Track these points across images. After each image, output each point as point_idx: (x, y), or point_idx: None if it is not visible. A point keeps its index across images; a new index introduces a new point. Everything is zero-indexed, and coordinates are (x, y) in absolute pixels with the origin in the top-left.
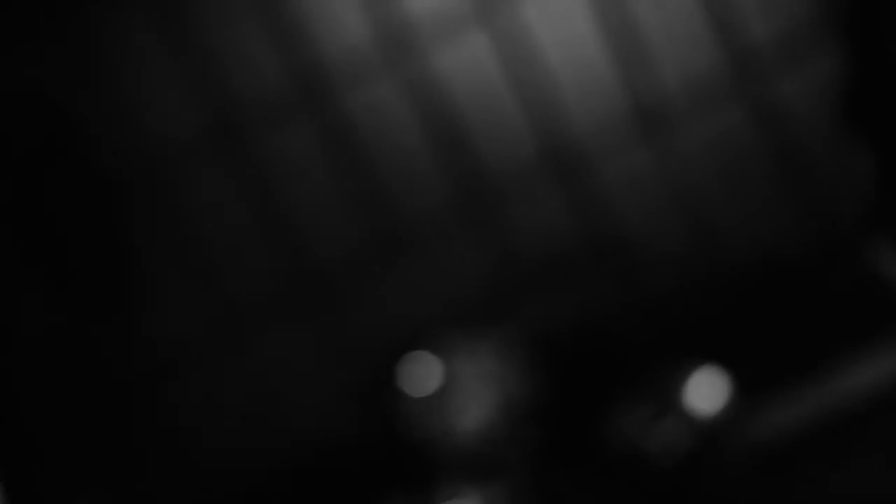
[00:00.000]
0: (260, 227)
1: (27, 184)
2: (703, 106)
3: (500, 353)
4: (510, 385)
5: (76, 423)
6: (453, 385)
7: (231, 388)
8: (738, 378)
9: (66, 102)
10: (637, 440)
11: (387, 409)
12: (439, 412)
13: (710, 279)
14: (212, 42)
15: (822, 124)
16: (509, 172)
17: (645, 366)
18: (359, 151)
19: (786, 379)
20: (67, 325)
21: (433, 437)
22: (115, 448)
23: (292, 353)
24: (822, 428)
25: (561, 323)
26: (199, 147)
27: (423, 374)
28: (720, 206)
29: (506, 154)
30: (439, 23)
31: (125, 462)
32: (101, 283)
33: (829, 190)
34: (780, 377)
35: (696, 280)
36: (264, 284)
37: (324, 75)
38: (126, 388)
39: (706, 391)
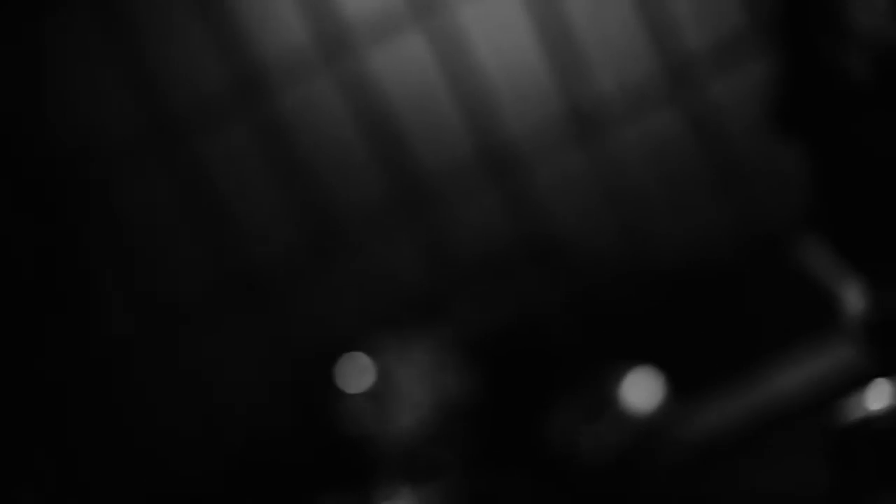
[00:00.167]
0: (197, 227)
1: None
2: (637, 109)
3: (435, 353)
4: (445, 384)
5: (12, 421)
6: (388, 384)
7: (166, 388)
8: (670, 378)
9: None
10: (572, 440)
11: (323, 407)
12: (374, 411)
13: (644, 280)
14: (149, 42)
15: (755, 128)
16: (445, 172)
17: (580, 366)
18: (295, 151)
19: (717, 379)
20: (2, 325)
21: (369, 436)
22: (51, 444)
23: (228, 352)
24: (752, 427)
25: (496, 322)
26: (136, 147)
27: (358, 373)
28: (654, 208)
29: (441, 154)
30: (376, 23)
31: (61, 458)
32: (36, 284)
33: (760, 192)
34: (711, 378)
35: (629, 280)
36: (200, 283)
37: (261, 75)
38: (61, 386)
39: (640, 391)
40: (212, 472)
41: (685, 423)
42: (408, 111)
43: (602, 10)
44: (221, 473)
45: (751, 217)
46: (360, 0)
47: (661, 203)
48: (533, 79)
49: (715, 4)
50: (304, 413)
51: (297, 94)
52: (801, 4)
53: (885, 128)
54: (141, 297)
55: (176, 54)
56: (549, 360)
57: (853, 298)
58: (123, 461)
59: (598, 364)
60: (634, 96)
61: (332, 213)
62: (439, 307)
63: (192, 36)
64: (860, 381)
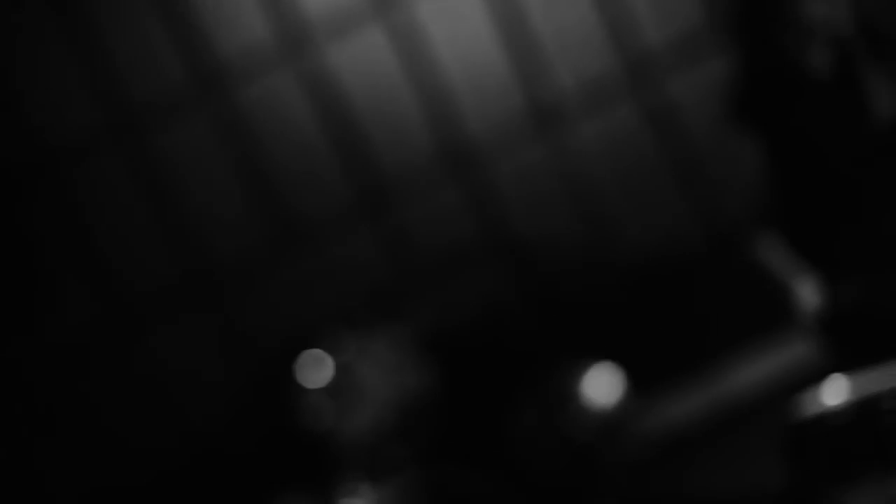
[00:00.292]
0: (156, 224)
1: None
2: (596, 105)
3: (395, 349)
4: (405, 380)
5: None
6: (347, 380)
7: (125, 384)
8: (631, 374)
9: None
10: (532, 435)
11: (284, 403)
12: (334, 407)
13: (604, 275)
14: (109, 39)
15: (713, 123)
16: (405, 168)
17: (540, 362)
18: (255, 147)
19: (677, 374)
20: None
21: (329, 431)
22: (9, 442)
23: (187, 348)
24: (712, 422)
25: (456, 318)
26: (95, 144)
27: (317, 369)
28: (613, 203)
29: (402, 150)
30: (336, 19)
31: (18, 455)
32: None
33: (718, 186)
34: (671, 373)
35: (589, 275)
36: (159, 281)
37: (221, 71)
38: (20, 382)
39: (600, 387)
40: (172, 469)
41: (645, 418)
42: (368, 107)
43: (561, 6)
44: (181, 470)
45: (709, 212)
46: None
47: (621, 198)
48: (492, 75)
49: (673, 1)
50: (265, 409)
51: (257, 91)
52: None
53: (839, 121)
54: (102, 294)
55: (136, 51)
56: (510, 356)
57: (808, 294)
58: (82, 458)
59: (559, 360)
60: (593, 92)
61: (292, 210)
62: (400, 303)
63: (152, 33)
64: (816, 376)
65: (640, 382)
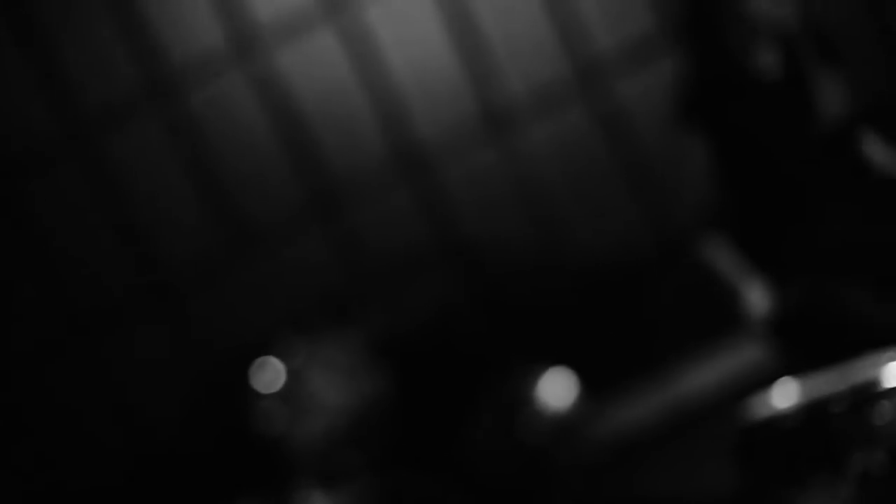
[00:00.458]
0: (109, 229)
1: None
2: (547, 109)
3: (348, 354)
4: (357, 386)
5: None
6: (300, 386)
7: (81, 391)
8: (584, 377)
9: None
10: (487, 440)
11: (238, 409)
12: (286, 412)
13: (556, 278)
14: (61, 43)
15: (663, 126)
16: (356, 172)
17: (493, 366)
18: (206, 151)
19: (630, 377)
20: None
21: (283, 437)
22: None
23: (142, 355)
24: (664, 425)
25: (409, 323)
26: (48, 151)
27: (270, 375)
28: (564, 206)
29: (353, 153)
30: (286, 23)
31: None
32: None
33: (669, 190)
34: (624, 376)
35: (542, 279)
36: (113, 285)
37: (172, 76)
38: None
39: (554, 391)
40: (128, 475)
41: (598, 422)
42: (319, 110)
43: (511, 10)
44: (137, 475)
45: (660, 215)
46: (270, 0)
47: (571, 201)
48: (443, 78)
49: (623, 4)
50: (219, 414)
51: (209, 95)
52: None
53: (784, 123)
54: (56, 299)
55: (88, 56)
56: (463, 360)
57: (756, 297)
58: (36, 461)
59: (512, 364)
60: (544, 96)
61: (244, 213)
62: (352, 307)
63: (102, 37)
64: (766, 379)
65: (592, 386)
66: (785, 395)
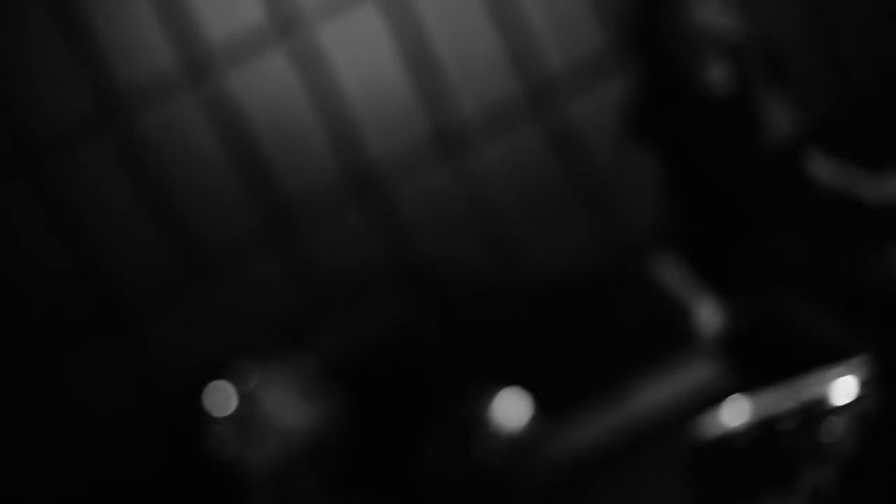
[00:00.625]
0: (62, 252)
1: None
2: (500, 129)
3: (301, 378)
4: (311, 409)
5: None
6: (252, 409)
7: (34, 411)
8: (538, 397)
9: None
10: (442, 461)
11: (191, 433)
12: (239, 436)
13: (511, 298)
14: (11, 64)
15: (615, 144)
16: (309, 193)
17: (448, 387)
18: (159, 174)
19: (584, 397)
20: None
21: (236, 461)
22: None
23: (94, 379)
24: (619, 445)
25: (363, 345)
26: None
27: (222, 399)
28: (518, 226)
29: (306, 175)
30: (238, 45)
31: None
32: None
33: (622, 208)
34: (578, 395)
35: (496, 299)
36: (68, 309)
37: (123, 98)
38: None
39: (509, 412)
40: (81, 498)
41: (553, 441)
42: (271, 132)
43: (463, 30)
44: (91, 499)
45: (613, 234)
46: (221, 21)
47: (525, 221)
48: (395, 99)
49: (573, 24)
50: (174, 438)
51: (160, 117)
52: (652, 12)
53: (732, 140)
54: (8, 322)
55: (39, 78)
56: (417, 382)
57: (706, 314)
58: None
59: (466, 385)
60: (496, 116)
61: (197, 236)
62: (305, 329)
63: (53, 59)
64: (718, 397)
65: (547, 406)
66: (735, 412)
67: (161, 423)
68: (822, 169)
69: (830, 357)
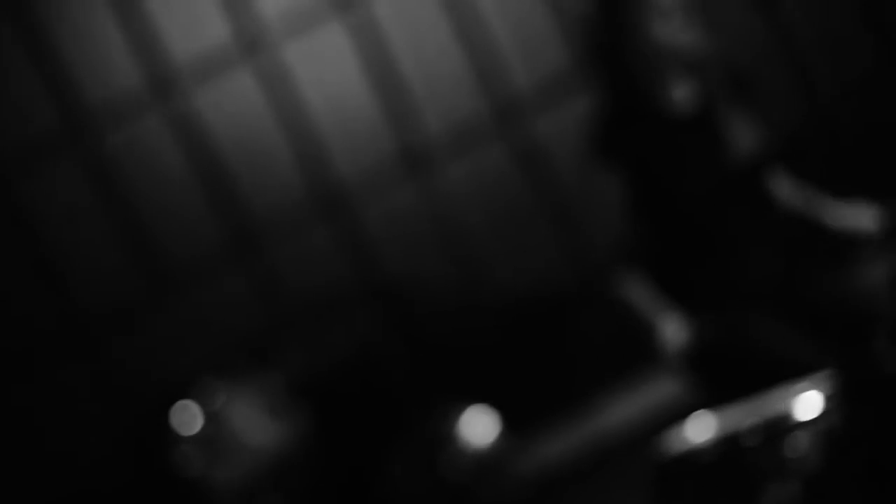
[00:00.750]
0: (28, 271)
1: None
2: (466, 147)
3: (267, 396)
4: (277, 428)
5: None
6: (218, 429)
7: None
8: (506, 414)
9: None
10: (410, 478)
11: (158, 452)
12: (205, 456)
13: (477, 316)
14: None
15: (580, 161)
16: (276, 211)
17: (416, 405)
18: (125, 192)
19: (551, 413)
20: None
21: (203, 480)
22: None
23: (61, 399)
24: (585, 461)
25: (329, 363)
26: None
27: (188, 418)
28: (484, 244)
29: (272, 193)
30: (203, 63)
31: None
32: None
33: (587, 224)
34: (545, 412)
35: (463, 317)
36: (34, 328)
37: (90, 116)
38: None
39: (477, 428)
40: None
41: (520, 458)
42: (238, 150)
43: (428, 49)
44: None
45: (579, 251)
46: (187, 40)
47: (491, 239)
48: (361, 117)
49: (538, 42)
50: (141, 457)
51: (127, 135)
52: (614, 31)
53: (695, 159)
54: None
55: (4, 94)
56: (384, 400)
57: (672, 331)
58: None
59: (434, 402)
60: (462, 134)
61: (163, 254)
62: (272, 347)
63: (20, 76)
64: (684, 413)
65: (514, 423)
66: (699, 428)
67: (128, 441)
68: (784, 187)
69: (794, 373)
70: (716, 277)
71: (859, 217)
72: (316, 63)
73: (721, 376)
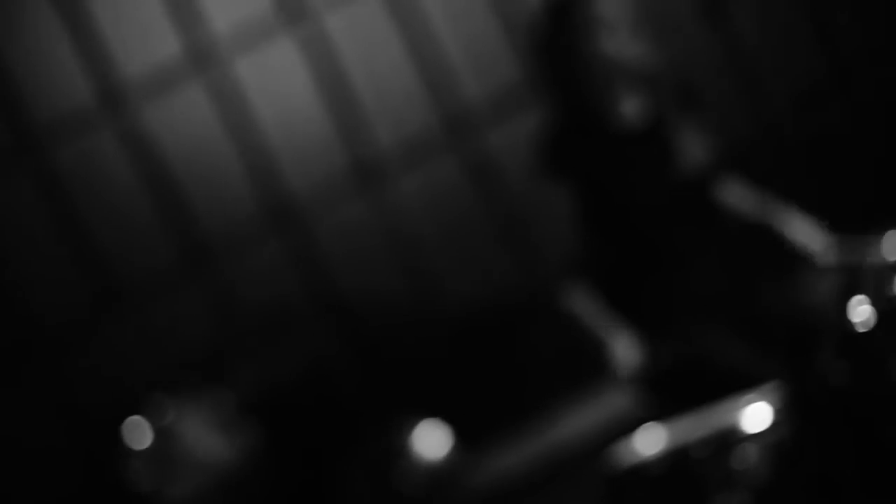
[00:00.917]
0: None
1: None
2: (417, 160)
3: (219, 412)
4: (228, 443)
5: None
6: (169, 444)
7: None
8: (458, 427)
9: None
10: (363, 493)
11: (109, 468)
12: (156, 472)
13: (430, 329)
14: None
15: (531, 175)
16: (227, 226)
17: (368, 419)
18: (75, 208)
19: (503, 426)
20: None
21: (154, 497)
22: None
23: (11, 415)
24: (537, 474)
25: (282, 378)
26: None
27: (139, 434)
28: (436, 258)
29: (224, 208)
30: (152, 77)
31: None
32: None
33: (539, 238)
34: (497, 425)
35: (415, 331)
36: None
37: (40, 132)
38: None
39: (430, 442)
40: None
41: (474, 472)
42: (189, 165)
43: (379, 62)
44: None
45: (530, 263)
46: (136, 55)
47: (443, 252)
48: (312, 132)
49: (489, 55)
50: (91, 475)
51: (76, 150)
52: (563, 45)
53: (643, 173)
54: None
55: None
56: (337, 414)
57: (621, 345)
58: None
59: (386, 416)
60: (414, 147)
61: (113, 272)
62: (225, 363)
63: None
64: (635, 425)
65: (467, 436)
66: (649, 441)
67: (78, 457)
68: (735, 198)
69: (743, 385)
70: (663, 290)
71: (809, 233)
72: (267, 77)
73: (670, 389)
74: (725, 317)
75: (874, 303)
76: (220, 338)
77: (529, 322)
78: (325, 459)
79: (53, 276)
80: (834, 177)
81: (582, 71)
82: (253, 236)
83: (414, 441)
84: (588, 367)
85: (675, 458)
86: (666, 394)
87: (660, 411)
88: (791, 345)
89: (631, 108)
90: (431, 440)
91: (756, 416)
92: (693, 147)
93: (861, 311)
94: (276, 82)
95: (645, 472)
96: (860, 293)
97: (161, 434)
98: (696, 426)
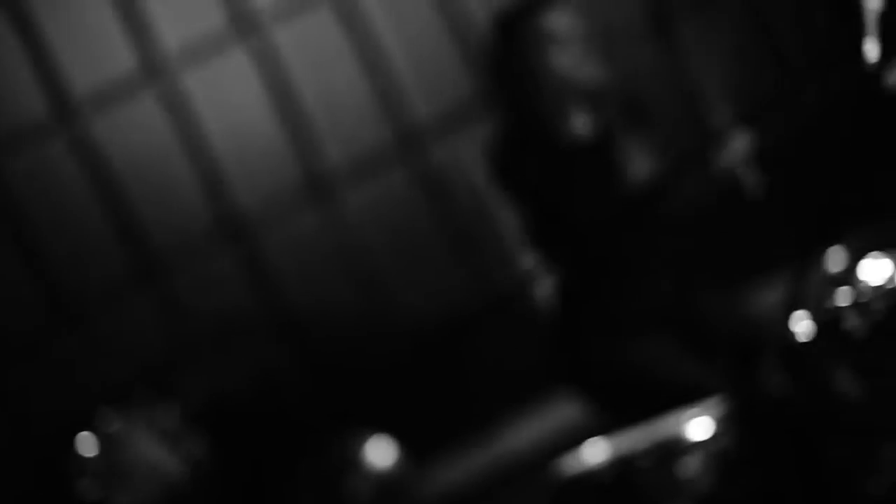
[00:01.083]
0: None
1: None
2: (368, 174)
3: (167, 423)
4: (176, 456)
5: None
6: (117, 458)
7: None
8: (409, 438)
9: None
10: None
11: (58, 481)
12: (103, 485)
13: (381, 343)
14: None
15: (479, 188)
16: (177, 239)
17: (318, 432)
18: (23, 220)
19: (453, 438)
20: None
21: None
22: None
23: None
24: (487, 485)
25: (232, 391)
26: None
27: (87, 447)
28: (387, 271)
29: (173, 220)
30: (102, 88)
31: None
32: None
33: (487, 250)
34: (447, 436)
35: (366, 344)
36: None
37: None
38: None
39: (379, 455)
40: None
41: (423, 484)
42: (139, 177)
43: (330, 76)
44: None
45: (481, 276)
46: (87, 66)
47: (394, 265)
48: (263, 145)
49: (440, 71)
50: (39, 488)
51: (26, 162)
52: (512, 60)
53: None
54: None
55: None
56: (286, 427)
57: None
58: None
59: (336, 429)
60: (365, 161)
61: (62, 283)
62: (172, 375)
63: None
64: (584, 436)
65: (416, 448)
66: (595, 451)
67: (26, 466)
68: (682, 212)
69: (687, 397)
70: (608, 302)
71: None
72: (218, 90)
73: (616, 401)
74: (670, 329)
75: (815, 316)
76: (170, 349)
77: (478, 334)
78: (273, 472)
79: (4, 285)
80: (781, 192)
81: (531, 85)
82: (204, 248)
83: (363, 453)
84: (538, 379)
85: (621, 468)
86: (611, 405)
87: (606, 422)
88: (734, 357)
89: (579, 122)
90: (381, 452)
91: (699, 426)
92: (640, 162)
93: (802, 325)
94: (228, 96)
95: (591, 481)
96: (802, 307)
97: (109, 444)
98: (640, 437)
